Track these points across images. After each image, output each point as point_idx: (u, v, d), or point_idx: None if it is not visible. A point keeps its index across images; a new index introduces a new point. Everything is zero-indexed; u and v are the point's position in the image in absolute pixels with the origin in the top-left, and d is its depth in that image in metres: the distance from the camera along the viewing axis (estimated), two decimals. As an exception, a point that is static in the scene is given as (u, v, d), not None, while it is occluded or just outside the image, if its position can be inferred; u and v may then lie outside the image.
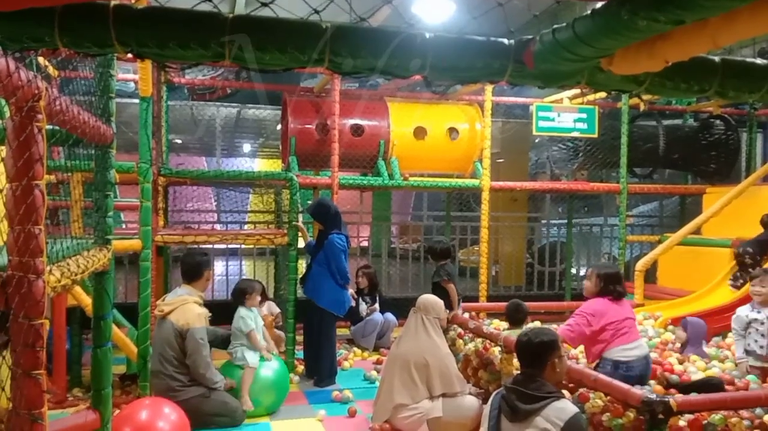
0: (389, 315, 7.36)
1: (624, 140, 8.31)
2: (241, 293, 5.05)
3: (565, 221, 10.19)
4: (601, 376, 3.63)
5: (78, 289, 4.57)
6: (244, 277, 8.24)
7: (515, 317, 5.13)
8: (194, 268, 4.84)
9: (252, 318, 4.95)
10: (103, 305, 3.36)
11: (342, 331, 7.41)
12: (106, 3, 1.64)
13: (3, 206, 2.02)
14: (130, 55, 1.78)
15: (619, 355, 4.22)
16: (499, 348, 4.65)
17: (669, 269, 7.84)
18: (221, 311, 5.59)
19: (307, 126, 8.07)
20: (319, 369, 5.76)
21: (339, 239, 5.75)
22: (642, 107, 8.66)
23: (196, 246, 6.42)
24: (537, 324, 5.62)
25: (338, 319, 6.01)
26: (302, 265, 6.91)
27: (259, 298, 5.34)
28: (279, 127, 9.96)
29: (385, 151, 8.10)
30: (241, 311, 4.96)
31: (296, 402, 5.25)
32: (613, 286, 4.42)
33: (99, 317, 3.35)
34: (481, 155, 8.07)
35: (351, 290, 6.44)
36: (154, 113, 5.93)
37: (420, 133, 8.26)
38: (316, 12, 1.79)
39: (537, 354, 2.98)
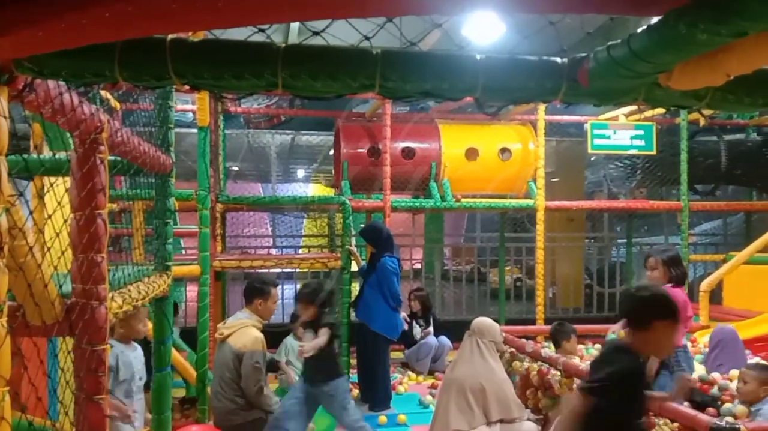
0: (444, 339, 7.28)
1: (684, 156, 8.06)
2: (292, 320, 5.13)
3: (624, 240, 9.92)
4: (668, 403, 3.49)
5: (139, 314, 4.68)
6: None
7: (557, 339, 5.10)
8: (247, 293, 4.92)
9: (293, 349, 5.00)
10: (162, 330, 3.43)
11: (396, 355, 7.36)
12: (163, 37, 1.69)
13: (67, 234, 2.09)
14: (187, 87, 1.82)
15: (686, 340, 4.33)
16: (558, 373, 4.53)
17: (735, 290, 7.51)
18: (275, 335, 5.64)
19: (359, 150, 8.15)
20: (374, 393, 5.72)
21: (391, 261, 5.75)
22: (702, 122, 8.40)
23: (253, 271, 6.52)
24: (598, 347, 5.46)
25: (392, 342, 5.98)
26: (355, 288, 6.93)
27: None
28: (332, 152, 10.09)
29: (437, 173, 8.08)
30: (287, 340, 5.01)
31: (352, 427, 5.22)
32: (678, 269, 4.31)
33: (159, 342, 3.42)
34: (535, 175, 7.97)
35: (403, 314, 6.40)
36: (211, 142, 6.10)
37: (471, 154, 8.22)
38: (367, 38, 1.80)
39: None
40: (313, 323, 4.52)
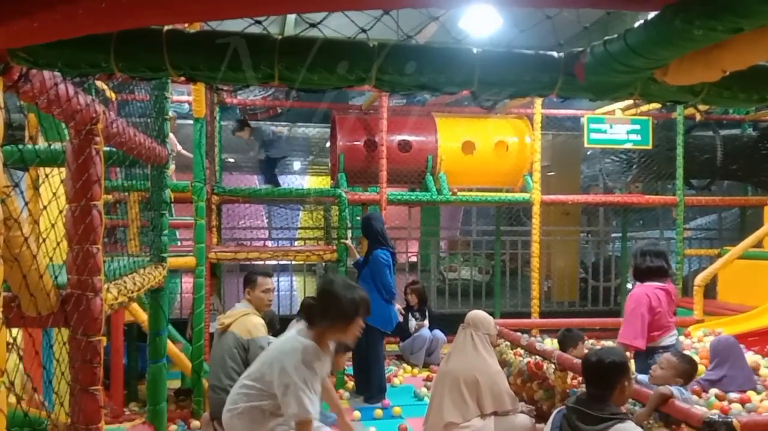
0: (437, 332, 7.29)
1: (680, 151, 8.07)
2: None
3: (620, 234, 9.95)
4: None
5: (135, 305, 4.68)
6: (294, 293, 8.33)
7: (565, 345, 5.06)
8: (243, 284, 4.93)
9: None
10: (158, 322, 3.44)
11: (391, 347, 7.38)
12: (159, 28, 1.68)
13: (63, 226, 2.09)
14: (183, 78, 1.82)
15: (668, 341, 4.30)
16: (553, 366, 4.55)
17: (729, 284, 7.54)
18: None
19: (355, 143, 8.13)
20: (369, 385, 5.74)
21: (383, 253, 5.74)
22: (698, 117, 8.41)
23: (249, 263, 6.52)
24: (596, 342, 5.48)
25: (386, 335, 5.98)
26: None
27: None
28: (328, 144, 10.07)
29: (433, 166, 8.08)
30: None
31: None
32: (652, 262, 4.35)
33: (154, 333, 3.42)
34: (531, 169, 7.97)
35: (398, 306, 6.41)
36: (207, 133, 6.07)
37: (468, 147, 8.21)
38: (363, 31, 1.80)
39: (607, 375, 2.88)
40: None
